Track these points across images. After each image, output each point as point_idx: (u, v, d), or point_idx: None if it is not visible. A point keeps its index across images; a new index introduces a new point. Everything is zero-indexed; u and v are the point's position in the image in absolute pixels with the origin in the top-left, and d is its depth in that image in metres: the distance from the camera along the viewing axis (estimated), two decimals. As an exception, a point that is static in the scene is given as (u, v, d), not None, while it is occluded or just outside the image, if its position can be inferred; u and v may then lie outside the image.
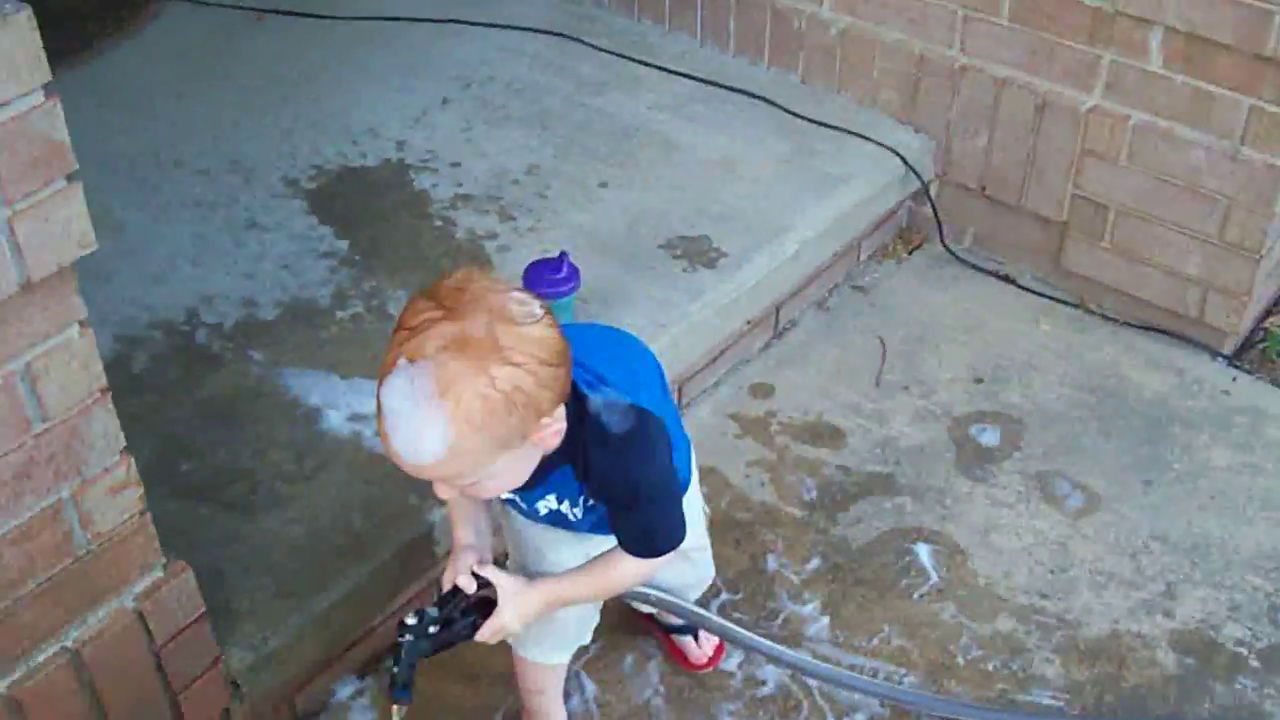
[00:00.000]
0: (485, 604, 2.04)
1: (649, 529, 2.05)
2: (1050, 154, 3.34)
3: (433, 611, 2.02)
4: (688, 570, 2.42)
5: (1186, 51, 3.04)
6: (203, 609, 2.23)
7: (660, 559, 2.08)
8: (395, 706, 2.02)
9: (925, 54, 3.44)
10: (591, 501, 2.05)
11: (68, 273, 1.79)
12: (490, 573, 2.04)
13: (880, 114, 3.58)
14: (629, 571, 2.09)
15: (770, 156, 3.47)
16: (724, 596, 2.75)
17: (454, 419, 1.74)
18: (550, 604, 2.09)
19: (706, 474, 2.92)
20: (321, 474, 2.65)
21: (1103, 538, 2.89)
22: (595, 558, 2.11)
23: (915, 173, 3.50)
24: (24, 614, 1.96)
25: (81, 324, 1.84)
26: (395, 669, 2.00)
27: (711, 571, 2.50)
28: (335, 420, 2.76)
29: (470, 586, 2.03)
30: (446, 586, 2.06)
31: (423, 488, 2.58)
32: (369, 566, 2.50)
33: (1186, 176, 3.15)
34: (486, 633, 2.04)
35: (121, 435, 1.97)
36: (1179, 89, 3.09)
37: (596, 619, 2.33)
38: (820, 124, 3.55)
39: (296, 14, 3.99)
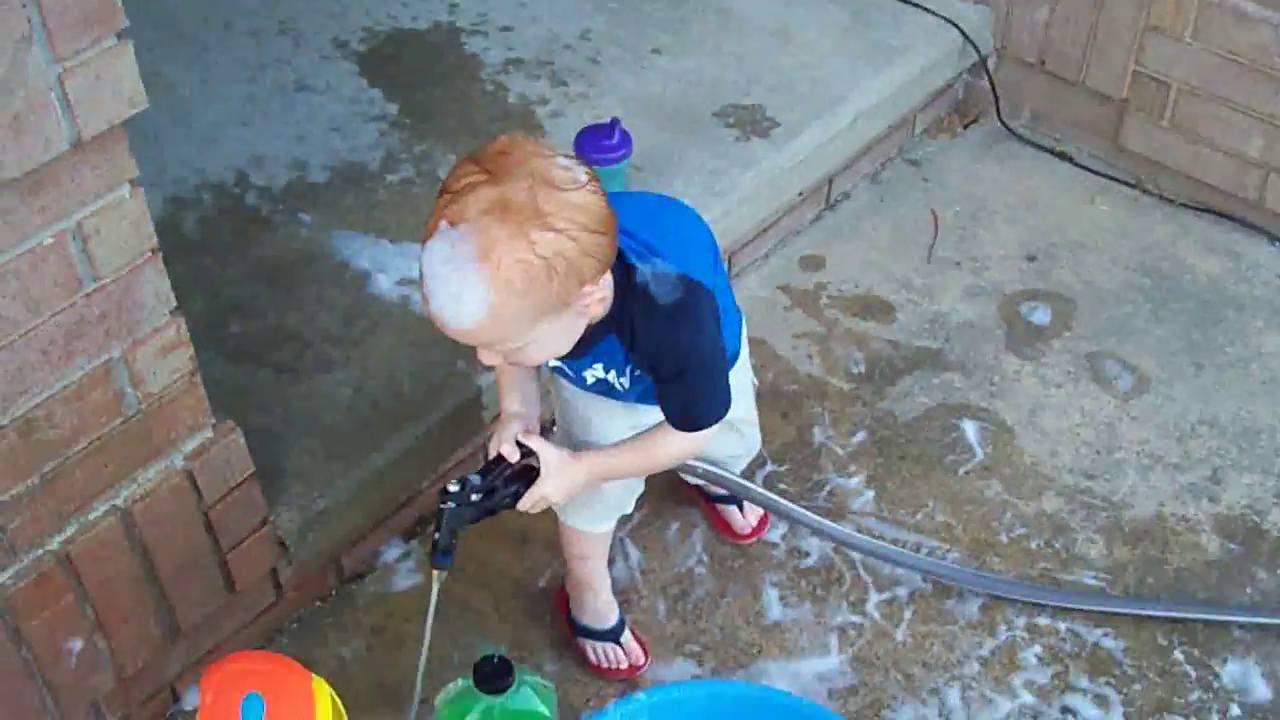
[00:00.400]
0: (528, 473, 2.05)
1: (693, 401, 2.04)
2: (1113, 29, 3.27)
3: (475, 479, 2.02)
4: (735, 442, 2.42)
5: (1257, -75, 2.96)
6: (252, 470, 2.25)
7: (705, 435, 2.07)
8: (435, 572, 2.04)
9: (988, -77, 3.37)
10: (639, 372, 2.05)
11: (118, 131, 1.78)
12: (535, 443, 2.04)
13: (940, -15, 3.52)
14: (674, 448, 2.09)
15: (827, 26, 3.41)
16: (769, 468, 2.75)
17: (494, 283, 1.73)
18: (593, 477, 2.10)
19: (755, 346, 2.91)
20: (370, 338, 2.66)
21: (1151, 420, 2.87)
22: (641, 433, 2.11)
23: (973, 46, 3.44)
24: (75, 473, 1.98)
25: (132, 183, 1.84)
26: (436, 535, 2.02)
27: (758, 444, 2.50)
28: (384, 284, 2.76)
29: (514, 456, 2.03)
30: (491, 454, 2.06)
31: (470, 353, 2.59)
32: (417, 430, 2.51)
33: (1252, 55, 3.08)
34: (527, 503, 2.05)
35: (172, 295, 1.98)
36: (1248, -36, 3.02)
37: (641, 488, 2.34)
38: (878, -7, 3.49)
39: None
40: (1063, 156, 3.50)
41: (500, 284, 1.74)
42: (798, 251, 3.24)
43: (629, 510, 2.35)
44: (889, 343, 3.03)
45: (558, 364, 2.08)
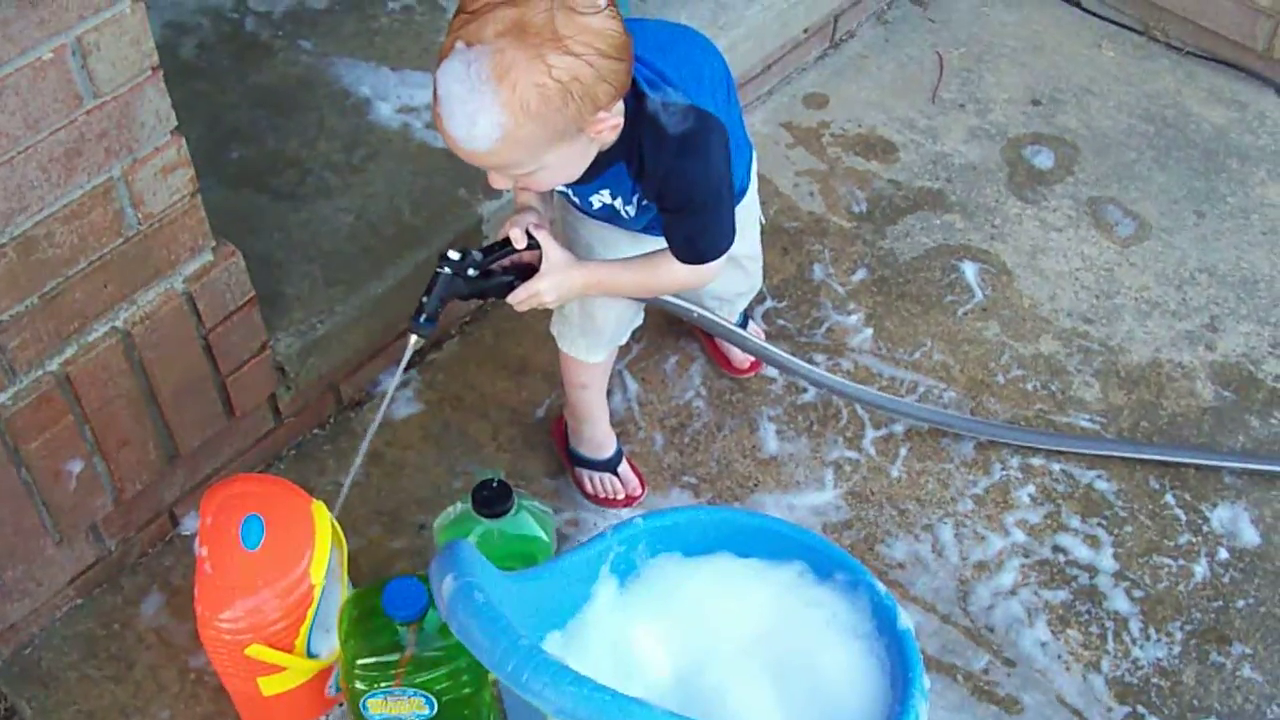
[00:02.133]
0: (527, 271, 2.03)
1: (698, 234, 2.03)
2: None
3: (477, 255, 2.00)
4: (739, 278, 2.42)
5: None
6: (252, 294, 2.24)
7: (708, 267, 2.06)
8: (414, 337, 2.02)
9: None
10: (645, 201, 2.04)
11: (120, -58, 1.75)
12: (544, 237, 2.02)
13: None
14: (677, 275, 2.08)
15: None
16: (769, 303, 2.76)
17: (509, 106, 1.72)
18: (590, 286, 2.08)
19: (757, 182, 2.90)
20: (371, 164, 2.64)
21: (1150, 266, 2.87)
22: (645, 254, 2.10)
23: (986, -117, 3.38)
24: (75, 292, 1.97)
25: (133, -1, 1.81)
26: (425, 299, 1.99)
27: (760, 280, 2.50)
28: (385, 111, 2.73)
29: (521, 241, 2.01)
30: (500, 237, 2.05)
31: (473, 180, 2.58)
32: (417, 257, 2.50)
33: (1269, -102, 3.04)
34: (521, 295, 2.03)
35: (173, 115, 1.95)
36: None
37: (639, 320, 2.34)
38: None
39: None
40: (1070, 1, 3.45)
41: (515, 107, 1.72)
42: (801, 89, 3.21)
43: (623, 341, 2.35)
44: (891, 182, 3.01)
45: (564, 189, 2.06)
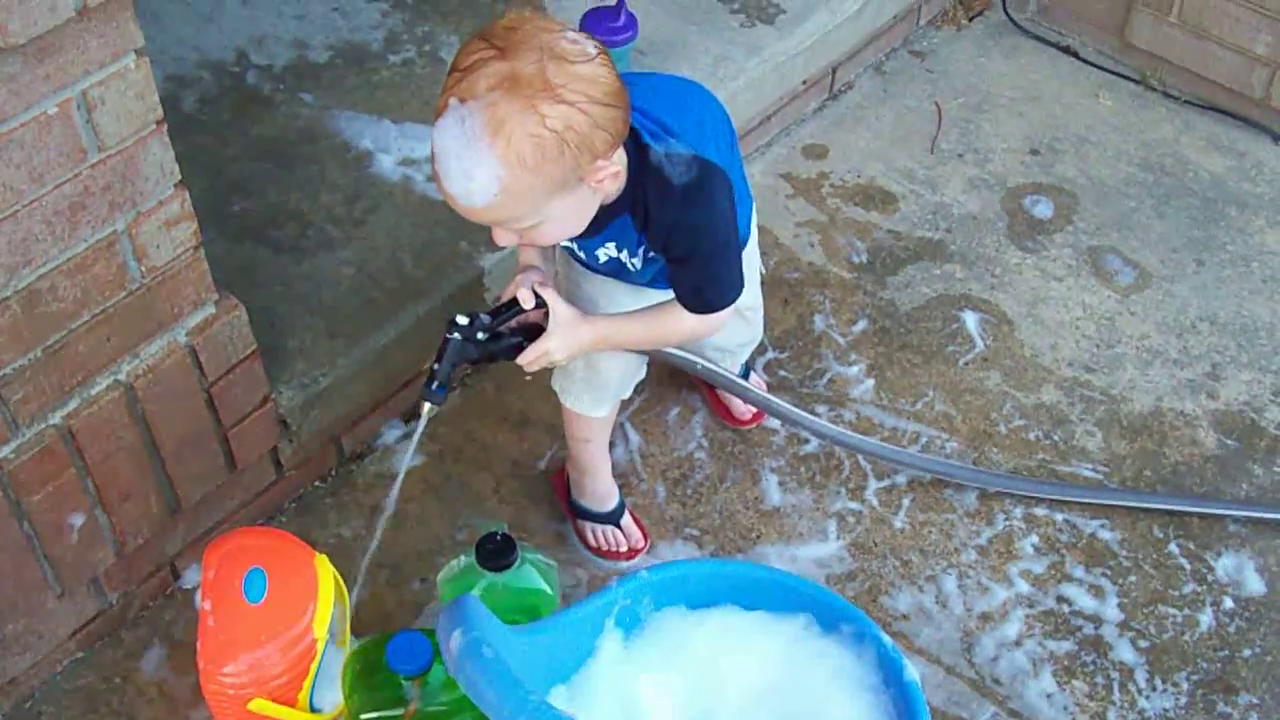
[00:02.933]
0: (535, 330, 2.03)
1: (706, 283, 2.04)
2: (1123, -80, 3.24)
3: (485, 319, 2.00)
4: (741, 329, 2.42)
5: None
6: (254, 347, 2.24)
7: (716, 317, 2.07)
8: (427, 405, 2.00)
9: None
10: (651, 254, 2.04)
11: (124, -1, 1.76)
12: (549, 295, 2.02)
13: (950, -128, 3.47)
14: (684, 326, 2.08)
15: (834, -88, 3.37)
16: (770, 354, 2.76)
17: (505, 159, 1.73)
18: (599, 342, 2.08)
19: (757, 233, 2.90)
20: (372, 217, 2.65)
21: (1151, 315, 2.88)
22: (652, 306, 2.10)
23: (982, -65, 3.41)
24: (78, 346, 1.97)
25: (138, 53, 1.82)
26: (436, 365, 1.98)
27: (761, 331, 2.50)
28: (387, 164, 2.74)
29: (529, 301, 2.01)
30: (505, 298, 2.04)
31: (474, 233, 2.59)
32: (419, 309, 2.50)
33: (1263, -50, 3.06)
34: (530, 355, 2.03)
35: (177, 168, 1.96)
36: None
37: (642, 374, 2.34)
38: (887, -120, 3.44)
39: None
40: (1068, 51, 3.48)
41: (512, 159, 1.73)
42: (801, 140, 3.22)
43: (627, 395, 2.35)
44: (891, 233, 3.02)
45: (569, 244, 2.06)
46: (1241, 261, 2.98)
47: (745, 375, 2.63)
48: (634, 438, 2.63)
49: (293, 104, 2.88)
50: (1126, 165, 3.19)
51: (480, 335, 1.99)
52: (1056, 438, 2.66)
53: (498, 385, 2.71)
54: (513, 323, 2.03)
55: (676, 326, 2.08)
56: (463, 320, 1.98)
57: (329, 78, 2.94)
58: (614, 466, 2.49)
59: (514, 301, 2.03)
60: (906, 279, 2.93)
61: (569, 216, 1.87)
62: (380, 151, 2.76)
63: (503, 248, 2.54)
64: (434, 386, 1.98)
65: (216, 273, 2.13)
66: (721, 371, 2.38)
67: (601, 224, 1.94)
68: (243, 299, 2.21)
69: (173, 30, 3.02)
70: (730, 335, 2.38)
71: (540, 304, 2.02)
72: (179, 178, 1.97)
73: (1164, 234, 3.04)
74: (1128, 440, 2.66)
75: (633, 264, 2.08)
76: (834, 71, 3.28)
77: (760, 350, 2.72)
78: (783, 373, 2.73)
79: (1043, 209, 3.08)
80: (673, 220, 1.95)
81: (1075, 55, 3.47)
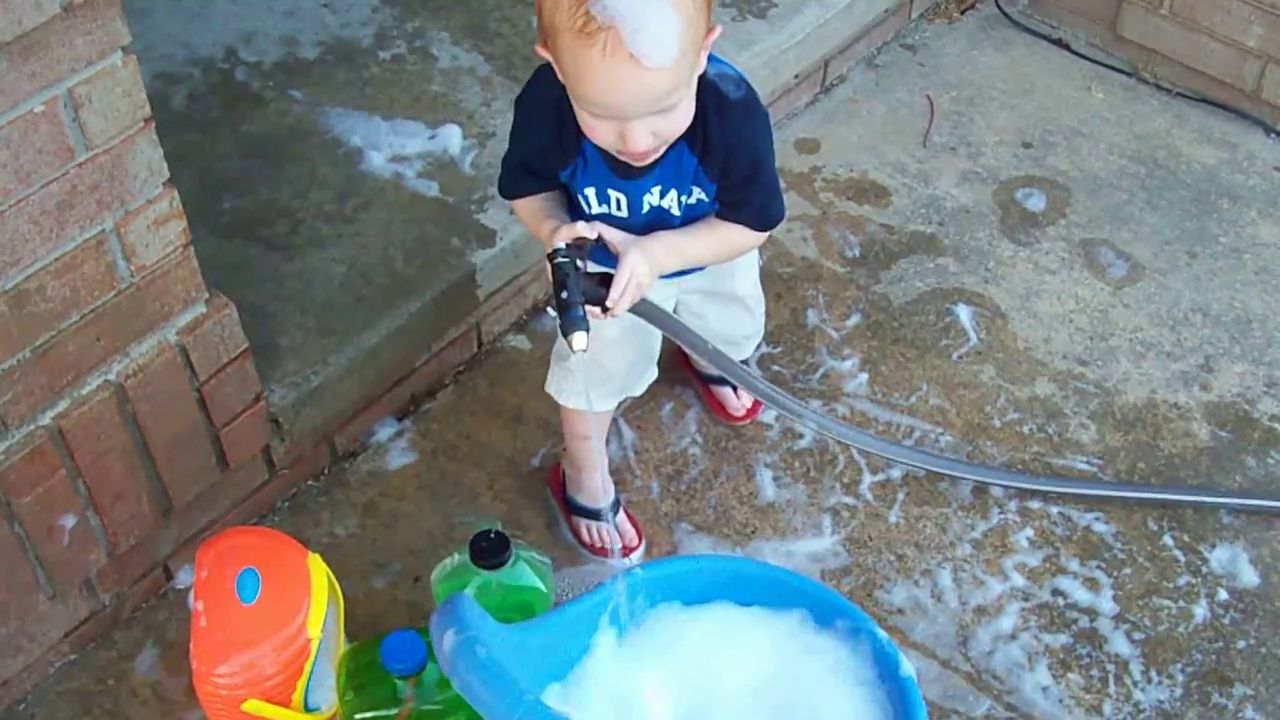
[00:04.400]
0: (604, 280, 1.94)
1: (768, 198, 2.05)
2: (1115, -88, 3.24)
3: (573, 248, 1.91)
4: (744, 319, 2.42)
5: None
6: (245, 345, 2.23)
7: (765, 236, 2.10)
8: (578, 334, 1.87)
9: None
10: (692, 196, 2.01)
11: (111, -5, 1.75)
12: (600, 227, 1.97)
13: None
14: (740, 239, 2.08)
15: (825, -94, 3.36)
16: (764, 349, 2.75)
17: (679, 7, 1.71)
18: (670, 251, 2.02)
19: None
20: (363, 215, 2.64)
21: (1144, 308, 2.87)
22: (700, 223, 2.07)
23: (973, -73, 3.40)
24: (68, 346, 1.97)
25: (125, 50, 1.81)
26: (565, 294, 1.86)
27: (763, 322, 2.49)
28: (377, 161, 2.73)
29: (591, 233, 1.95)
30: (562, 240, 1.94)
31: (465, 229, 2.58)
32: (412, 307, 2.50)
33: (1254, -59, 3.06)
34: (622, 279, 1.93)
35: (165, 167, 1.95)
36: None
37: (653, 373, 2.33)
38: (878, -127, 3.43)
39: None
40: (1059, 44, 3.47)
41: (681, 5, 1.71)
42: (793, 134, 3.21)
43: (637, 393, 2.35)
44: (884, 227, 3.01)
45: (618, 192, 2.01)
46: (1234, 253, 2.98)
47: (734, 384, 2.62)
48: (628, 434, 2.62)
49: (282, 101, 2.87)
50: (1118, 158, 3.18)
51: (579, 263, 1.90)
52: (1050, 431, 2.65)
53: (490, 381, 2.71)
54: (583, 267, 1.93)
55: (734, 239, 2.08)
56: (562, 247, 1.90)
57: (319, 74, 2.93)
58: (608, 463, 2.49)
59: (575, 244, 1.94)
60: (899, 273, 2.92)
61: (691, 100, 1.84)
62: (371, 148, 2.75)
63: (494, 243, 2.55)
64: (577, 314, 1.86)
65: (207, 271, 2.12)
66: (730, 359, 2.34)
67: (655, 160, 1.93)
68: (233, 297, 2.20)
69: (162, 27, 3.01)
70: (734, 326, 2.38)
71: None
72: (167, 176, 1.96)
73: (1156, 226, 3.03)
74: (1121, 433, 2.66)
75: (674, 210, 2.04)
76: (826, 65, 3.27)
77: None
78: (776, 367, 2.73)
79: (1035, 202, 3.08)
80: (733, 134, 1.94)
81: (1067, 48, 3.46)
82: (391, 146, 2.76)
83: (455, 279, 2.55)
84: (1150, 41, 3.34)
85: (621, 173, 1.97)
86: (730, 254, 2.16)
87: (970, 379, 2.73)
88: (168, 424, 2.18)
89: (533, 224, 2.08)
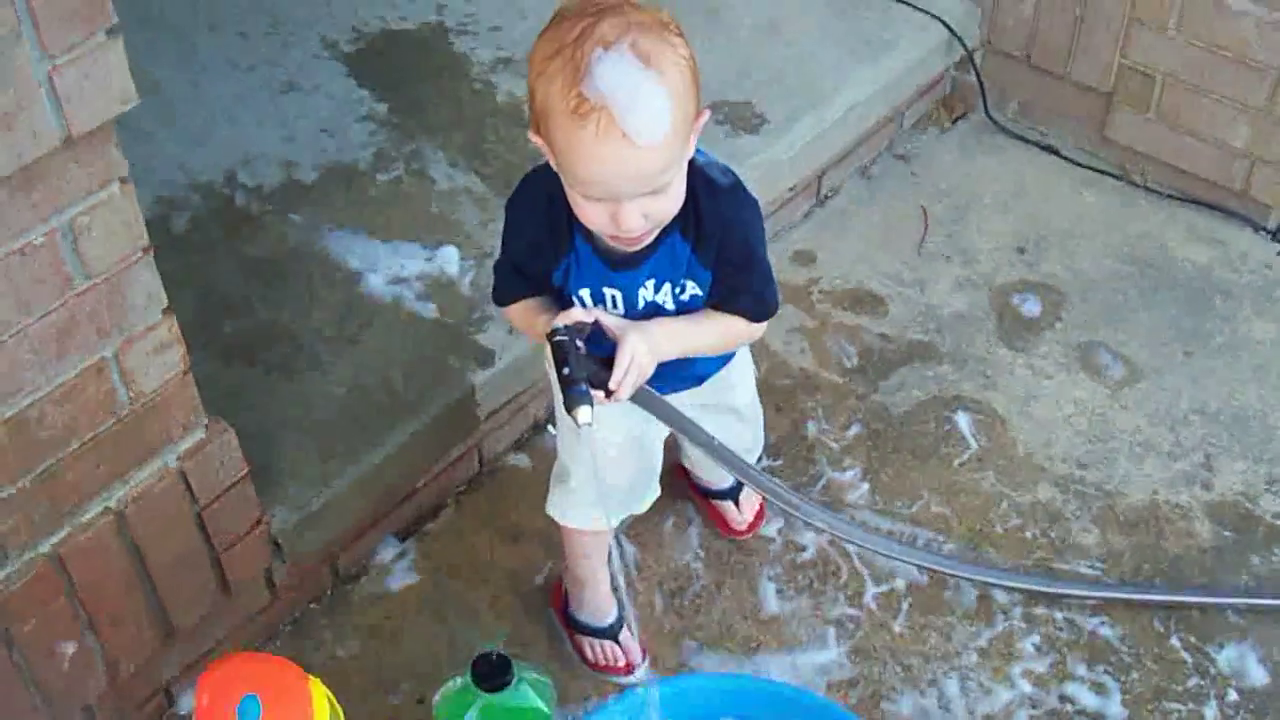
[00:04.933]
0: (606, 362, 1.92)
1: (763, 285, 2.04)
2: (1098, 22, 3.27)
3: (571, 327, 1.90)
4: (744, 431, 2.42)
5: (1240, -82, 2.97)
6: (245, 469, 2.24)
7: (762, 328, 2.09)
8: (583, 408, 1.83)
9: (974, -84, 3.38)
10: (684, 290, 2.00)
11: (108, 128, 1.77)
12: (598, 313, 1.96)
13: (926, -22, 3.52)
14: (738, 329, 2.07)
15: (815, 21, 3.41)
16: (765, 462, 2.75)
17: (669, 86, 1.74)
18: (669, 334, 1.99)
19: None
20: (363, 336, 2.66)
21: (1143, 408, 2.88)
22: (699, 312, 2.05)
23: (960, 40, 3.45)
24: (67, 473, 1.97)
25: (123, 181, 1.83)
26: (567, 371, 1.84)
27: (762, 433, 2.50)
28: (376, 283, 2.75)
29: (588, 317, 1.93)
30: (558, 324, 1.92)
31: (463, 349, 2.60)
32: (411, 428, 2.51)
33: (1236, 47, 3.09)
34: (623, 361, 1.90)
35: (164, 294, 1.97)
36: (1232, -45, 3.02)
37: (655, 491, 2.35)
38: (865, -12, 3.49)
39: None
40: (1050, 149, 3.50)
41: (672, 84, 1.74)
42: (789, 247, 3.24)
43: (640, 510, 2.35)
44: (881, 336, 3.03)
45: (612, 289, 2.00)
46: (1230, 351, 2.99)
47: (739, 488, 2.63)
48: (630, 549, 2.62)
49: (282, 224, 2.90)
50: (1112, 259, 3.20)
51: (579, 343, 1.88)
52: (1053, 535, 2.65)
53: (491, 498, 2.71)
54: (581, 348, 1.91)
55: (731, 327, 2.06)
56: (560, 326, 1.89)
57: (318, 197, 2.96)
58: (610, 579, 2.48)
59: (573, 327, 1.92)
60: (898, 381, 2.93)
61: (682, 181, 1.85)
62: (369, 270, 2.78)
63: (493, 363, 2.57)
64: (582, 389, 1.84)
65: (207, 393, 2.14)
66: (733, 453, 2.33)
67: (648, 250, 1.94)
68: (234, 420, 2.21)
69: (163, 151, 3.05)
70: (735, 439, 2.37)
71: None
72: (166, 303, 1.98)
73: (1152, 326, 3.05)
74: (1124, 534, 2.65)
75: (668, 306, 2.03)
76: (820, 177, 3.31)
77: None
78: (777, 480, 2.73)
79: (1031, 306, 3.09)
80: (726, 221, 1.95)
81: (1057, 153, 3.50)
82: (390, 268, 2.78)
83: (455, 399, 2.56)
84: (1138, 144, 3.38)
85: (615, 264, 1.97)
86: (728, 345, 2.15)
87: (971, 485, 2.73)
88: (168, 548, 2.18)
89: (527, 323, 2.07)
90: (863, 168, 3.44)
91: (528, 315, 2.06)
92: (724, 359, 2.25)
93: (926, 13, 3.42)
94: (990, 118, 3.56)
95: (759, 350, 2.94)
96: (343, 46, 3.35)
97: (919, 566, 2.58)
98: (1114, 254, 3.22)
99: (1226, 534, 2.65)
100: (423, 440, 2.53)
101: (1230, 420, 2.85)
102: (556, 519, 2.32)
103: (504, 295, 2.10)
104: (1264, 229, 3.27)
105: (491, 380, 2.60)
